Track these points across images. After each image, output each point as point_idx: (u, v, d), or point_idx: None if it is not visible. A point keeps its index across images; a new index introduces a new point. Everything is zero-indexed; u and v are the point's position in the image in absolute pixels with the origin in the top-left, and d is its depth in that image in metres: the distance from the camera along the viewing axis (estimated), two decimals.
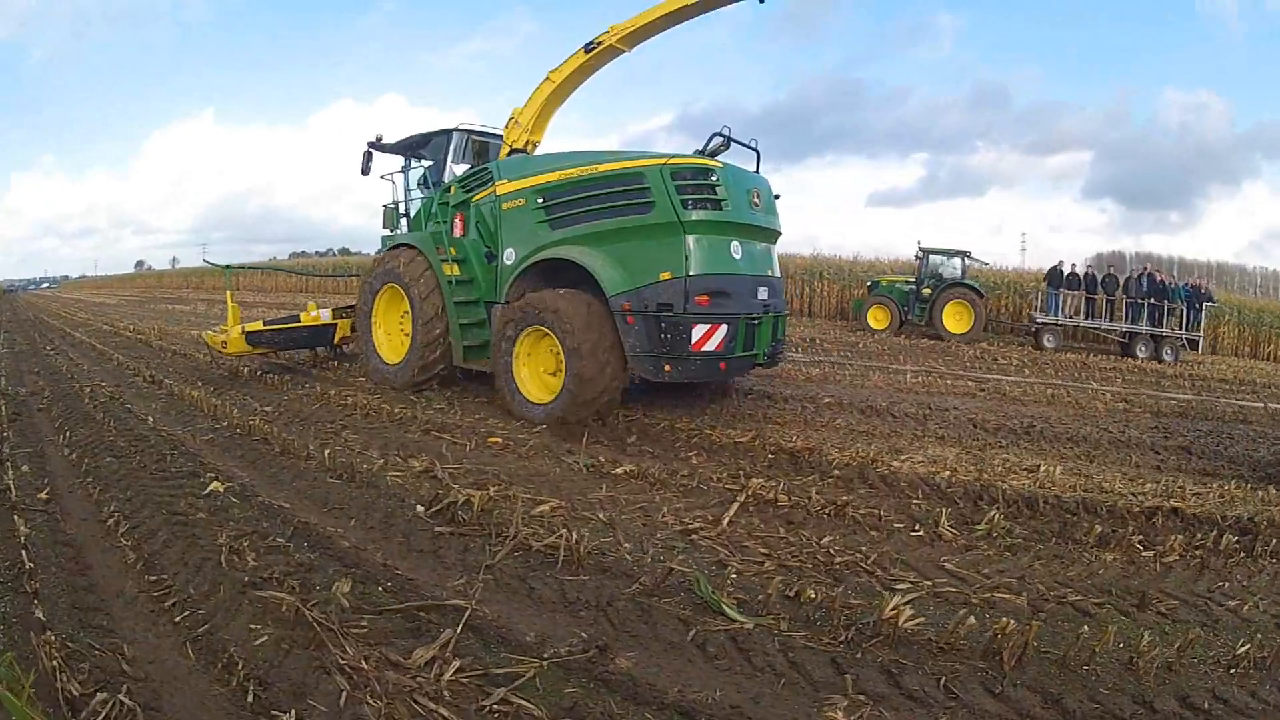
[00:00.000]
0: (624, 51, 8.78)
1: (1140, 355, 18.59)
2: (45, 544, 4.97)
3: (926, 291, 20.34)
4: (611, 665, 3.17)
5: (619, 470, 5.90)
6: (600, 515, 4.95)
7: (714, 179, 7.09)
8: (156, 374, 11.15)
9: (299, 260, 51.36)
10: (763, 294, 7.68)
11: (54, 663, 3.33)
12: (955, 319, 19.95)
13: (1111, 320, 19.74)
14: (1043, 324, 20.04)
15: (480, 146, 10.05)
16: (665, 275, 6.99)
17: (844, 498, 5.28)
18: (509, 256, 8.23)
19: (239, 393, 10.05)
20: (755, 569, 4.16)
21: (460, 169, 9.66)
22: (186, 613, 4.04)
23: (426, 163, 10.27)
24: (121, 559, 4.74)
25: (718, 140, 7.58)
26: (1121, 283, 20.08)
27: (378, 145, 10.37)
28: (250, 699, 3.27)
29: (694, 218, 7.00)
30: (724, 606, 3.56)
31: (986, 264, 24.53)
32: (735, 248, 7.31)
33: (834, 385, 11.03)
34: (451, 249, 8.75)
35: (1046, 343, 19.46)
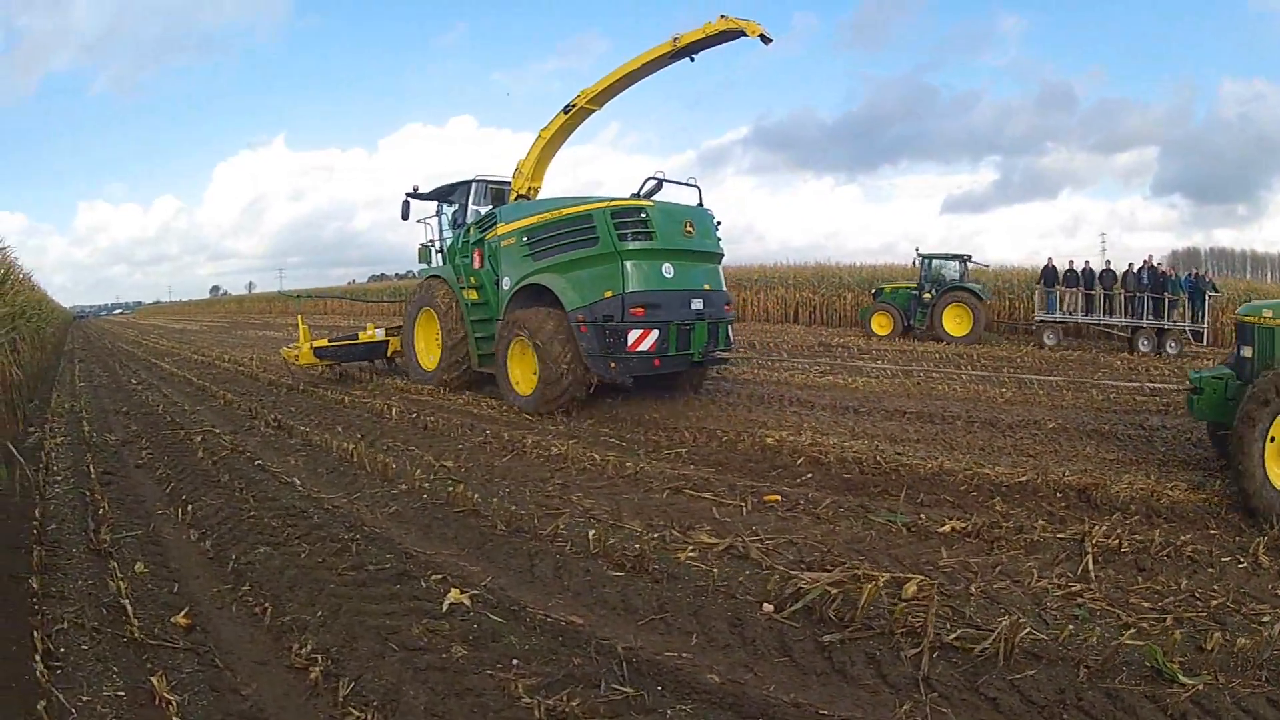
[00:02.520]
0: (594, 110, 11.32)
1: (1143, 349, 18.83)
2: None
3: (927, 296, 21.42)
4: None
5: (944, 529, 5.18)
6: (973, 589, 4.27)
7: (644, 216, 9.06)
8: (281, 416, 9.78)
9: (386, 284, 53.20)
10: (696, 304, 9.48)
11: None
12: (955, 322, 20.85)
13: (1111, 315, 20.31)
14: (1043, 322, 20.81)
15: (496, 192, 12.32)
16: (608, 293, 8.94)
17: (1182, 538, 5.03)
18: (505, 283, 10.33)
19: (398, 441, 8.32)
20: (1158, 625, 3.86)
21: (483, 210, 11.85)
22: None
23: (454, 207, 12.59)
24: None
25: (651, 183, 9.45)
26: (1120, 276, 20.64)
27: (414, 194, 12.74)
28: None
29: (630, 247, 8.98)
30: (1177, 674, 3.37)
31: (987, 266, 26.18)
32: (667, 269, 9.21)
33: (1039, 408, 10.17)
34: (471, 278, 11.07)
35: (1047, 340, 20.10)
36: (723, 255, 10.44)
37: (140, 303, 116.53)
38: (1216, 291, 21.06)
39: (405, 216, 12.85)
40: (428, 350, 11.84)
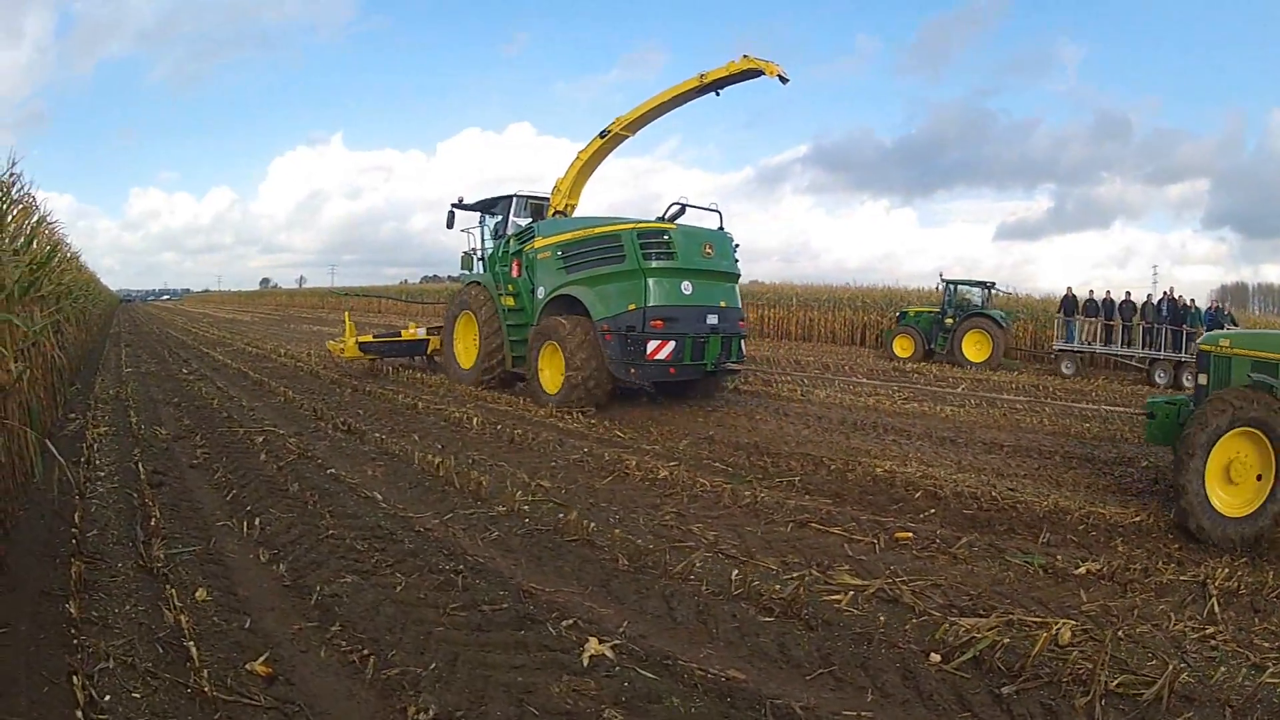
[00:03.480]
0: (628, 136, 12.20)
1: (1159, 381, 18.98)
2: None
3: (949, 321, 21.84)
4: None
5: (1079, 571, 5.00)
6: (1120, 634, 4.06)
7: (666, 238, 9.96)
8: (350, 419, 9.05)
9: (440, 286, 54.75)
10: (711, 319, 10.31)
11: None
12: (975, 347, 21.19)
13: (1129, 346, 20.49)
14: (1061, 351, 21.29)
15: (536, 206, 13.09)
16: (632, 306, 9.82)
17: None
18: (540, 292, 11.29)
19: (484, 455, 7.53)
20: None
21: (523, 222, 12.75)
22: None
23: (496, 218, 13.38)
24: None
25: (675, 208, 10.49)
26: (1140, 307, 21.07)
27: (459, 205, 13.56)
28: None
29: (653, 266, 9.86)
30: None
31: (1008, 293, 27.28)
32: (686, 286, 10.05)
33: (1128, 445, 9.71)
34: (509, 286, 12.01)
35: (1065, 369, 20.51)
36: (739, 275, 11.33)
37: (189, 290, 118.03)
38: (1235, 324, 20.72)
39: (450, 225, 13.72)
40: (466, 350, 12.69)
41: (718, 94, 11.37)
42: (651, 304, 9.77)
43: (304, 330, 29.43)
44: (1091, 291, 21.76)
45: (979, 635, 3.80)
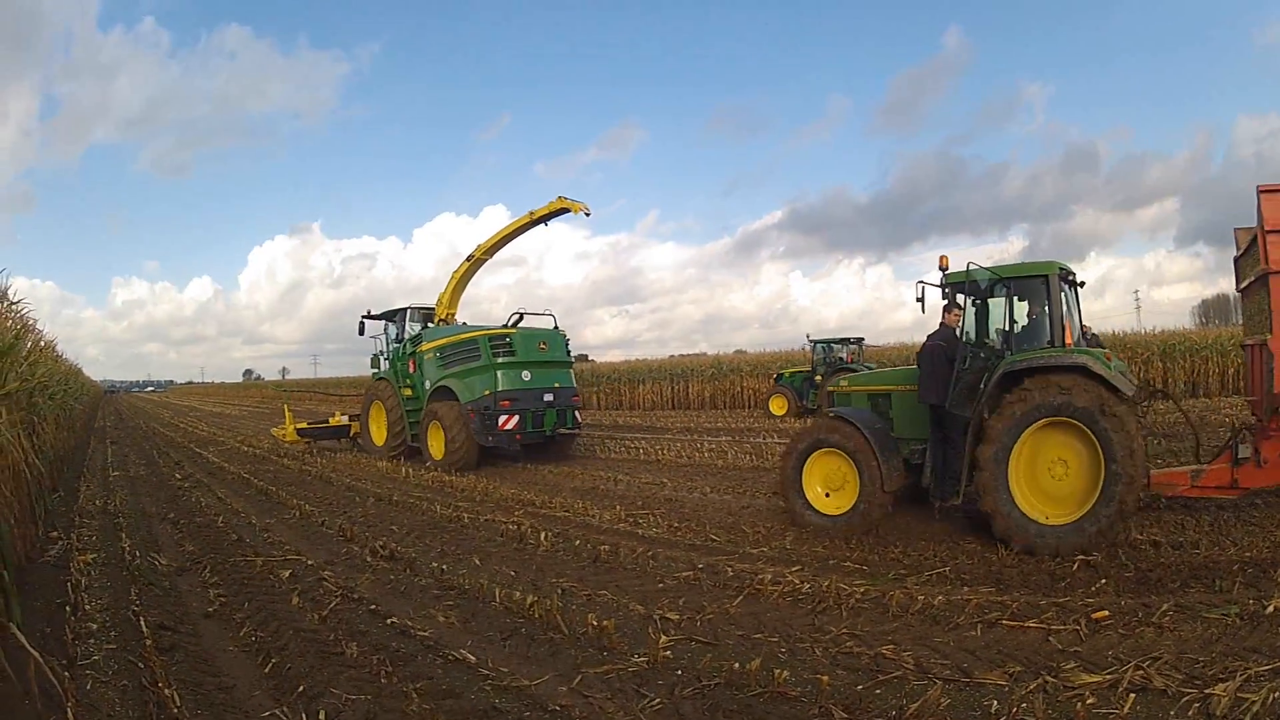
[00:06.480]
0: (487, 259, 16.17)
1: None
2: None
3: (819, 378, 23.13)
4: None
5: (1269, 610, 4.71)
6: None
7: (509, 340, 13.40)
8: (388, 541, 7.59)
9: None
10: (547, 397, 13.75)
11: None
12: None
13: None
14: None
15: (425, 314, 16.39)
16: (487, 392, 13.17)
17: None
18: (427, 384, 14.55)
19: (571, 580, 6.14)
20: None
21: (416, 328, 15.84)
22: None
23: (396, 326, 16.48)
24: None
25: (515, 317, 14.03)
26: None
27: (368, 316, 16.74)
28: None
29: (500, 361, 13.28)
30: None
31: (879, 346, 29.93)
32: (525, 374, 13.47)
33: None
34: (407, 380, 15.16)
35: None
36: (571, 362, 14.94)
37: (172, 381, 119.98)
38: (1101, 348, 21.06)
39: (361, 333, 16.92)
40: (378, 431, 15.73)
41: (546, 225, 15.49)
42: (500, 389, 13.03)
43: None
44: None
45: (1246, 699, 3.63)
